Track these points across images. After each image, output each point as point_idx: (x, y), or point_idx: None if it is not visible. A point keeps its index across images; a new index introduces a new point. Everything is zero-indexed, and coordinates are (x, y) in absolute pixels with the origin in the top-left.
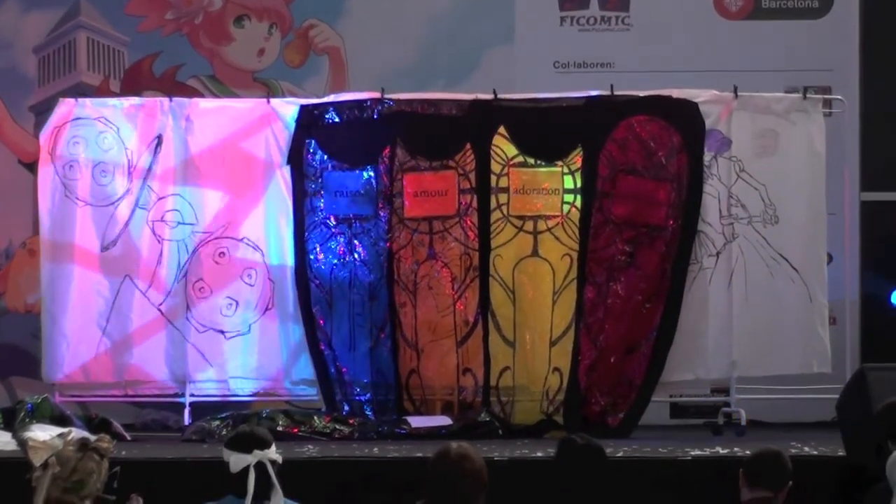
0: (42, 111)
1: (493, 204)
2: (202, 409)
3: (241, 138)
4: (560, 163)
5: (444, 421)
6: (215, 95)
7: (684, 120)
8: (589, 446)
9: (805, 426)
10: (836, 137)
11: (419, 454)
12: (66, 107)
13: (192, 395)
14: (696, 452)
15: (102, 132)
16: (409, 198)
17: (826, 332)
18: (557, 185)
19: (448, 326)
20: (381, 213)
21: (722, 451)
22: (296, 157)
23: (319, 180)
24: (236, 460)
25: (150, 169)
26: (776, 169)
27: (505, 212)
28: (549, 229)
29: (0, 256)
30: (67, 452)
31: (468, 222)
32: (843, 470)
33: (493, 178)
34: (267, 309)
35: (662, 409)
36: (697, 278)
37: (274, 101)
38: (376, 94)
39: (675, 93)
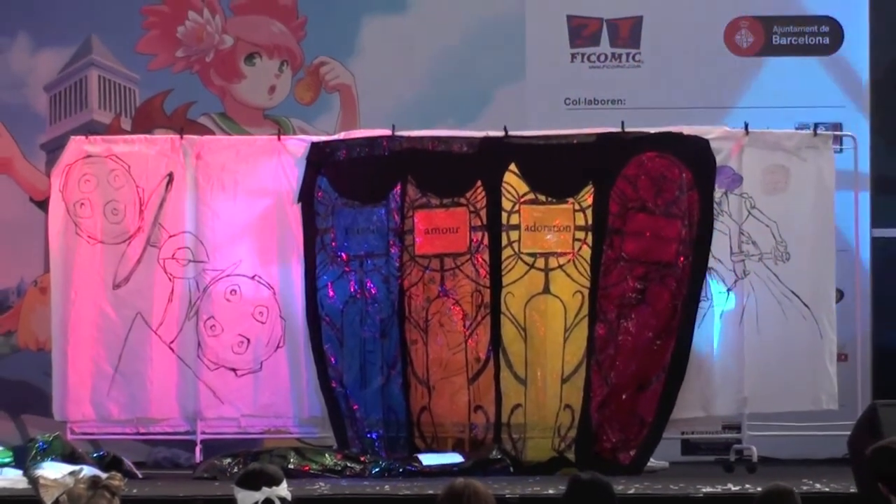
0: (53, 149)
1: (504, 241)
2: (213, 447)
3: (252, 176)
4: (571, 200)
5: (455, 458)
6: (226, 133)
7: (695, 156)
8: (595, 482)
9: (817, 463)
10: (847, 174)
11: (430, 491)
12: (77, 145)
13: (203, 433)
14: (708, 489)
15: (113, 170)
16: (421, 235)
17: (834, 368)
18: (568, 223)
19: (459, 363)
20: (393, 251)
21: (733, 487)
22: (306, 195)
23: (330, 218)
24: (244, 497)
25: (161, 207)
26: (787, 205)
27: (516, 249)
28: (560, 266)
29: (12, 294)
30: (78, 490)
31: (479, 259)
32: None
33: (504, 216)
34: (278, 346)
35: (674, 446)
36: (708, 315)
37: (284, 138)
38: (387, 132)
39: (686, 129)
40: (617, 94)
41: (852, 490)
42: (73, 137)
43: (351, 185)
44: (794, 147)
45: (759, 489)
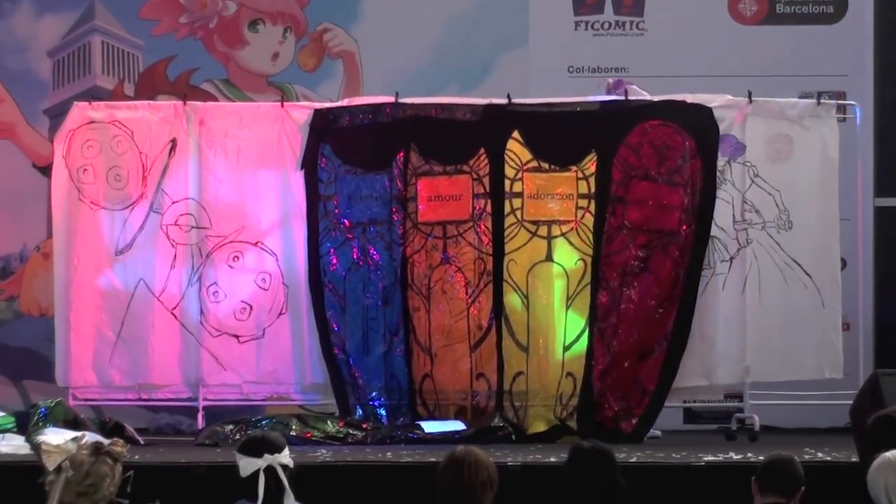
0: (56, 115)
1: (507, 209)
2: (215, 414)
3: (255, 142)
4: (574, 168)
5: (457, 426)
6: (229, 99)
7: (698, 125)
8: (597, 450)
9: (819, 432)
10: (850, 143)
11: (432, 459)
12: (80, 110)
13: (205, 400)
14: (710, 458)
15: (116, 136)
16: (423, 202)
17: (839, 338)
18: (571, 190)
19: (462, 331)
20: (395, 218)
21: (735, 456)
22: (309, 162)
23: (333, 185)
24: (246, 464)
25: (164, 173)
26: (790, 174)
27: (519, 216)
28: (563, 234)
29: (14, 260)
30: (81, 456)
31: (482, 227)
32: (857, 475)
33: (507, 183)
34: (281, 313)
35: (676, 415)
36: (710, 283)
37: (288, 105)
38: (390, 99)
39: (690, 98)
40: (620, 62)
41: (854, 459)
42: (76, 103)
43: (354, 152)
44: (797, 116)
45: (761, 458)
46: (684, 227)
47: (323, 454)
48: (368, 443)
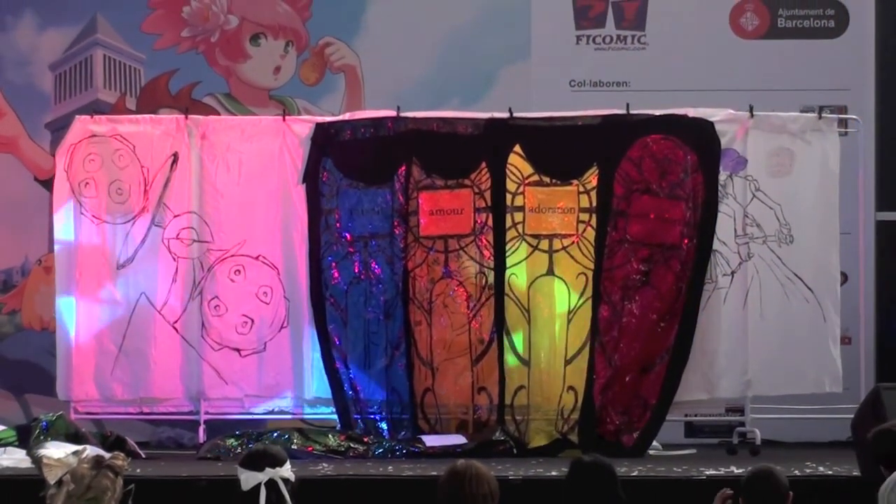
0: (58, 128)
1: (509, 222)
2: (217, 427)
3: (257, 156)
4: (576, 181)
5: (458, 440)
6: (231, 113)
7: (700, 139)
8: (598, 464)
9: (820, 445)
10: (851, 157)
11: (434, 473)
12: (82, 124)
13: (206, 413)
14: (711, 472)
15: (118, 150)
16: (425, 216)
17: (838, 351)
18: (573, 204)
19: (463, 345)
20: (397, 232)
21: (737, 470)
22: (311, 175)
23: (335, 198)
24: (247, 478)
25: (165, 187)
26: (791, 188)
27: (520, 230)
28: (564, 248)
29: (16, 273)
30: (82, 470)
31: (483, 241)
32: (858, 489)
33: (509, 197)
34: (282, 327)
35: (677, 429)
36: (712, 297)
37: (289, 119)
38: (392, 113)
39: (691, 112)
40: (622, 76)
41: (855, 473)
42: (78, 117)
43: (356, 166)
44: (799, 130)
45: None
46: (686, 241)
47: (324, 468)
48: (370, 456)
